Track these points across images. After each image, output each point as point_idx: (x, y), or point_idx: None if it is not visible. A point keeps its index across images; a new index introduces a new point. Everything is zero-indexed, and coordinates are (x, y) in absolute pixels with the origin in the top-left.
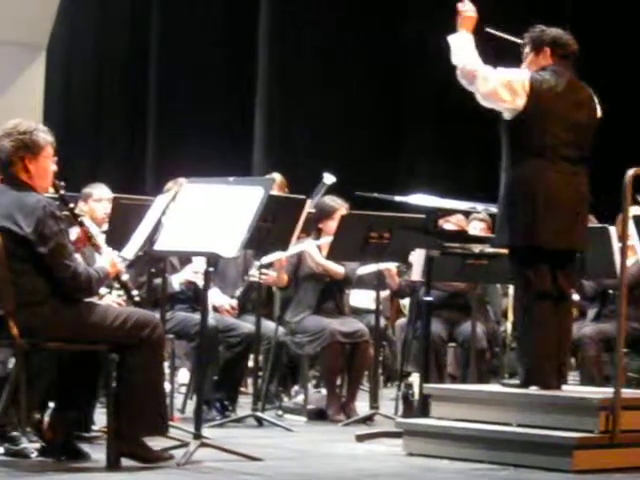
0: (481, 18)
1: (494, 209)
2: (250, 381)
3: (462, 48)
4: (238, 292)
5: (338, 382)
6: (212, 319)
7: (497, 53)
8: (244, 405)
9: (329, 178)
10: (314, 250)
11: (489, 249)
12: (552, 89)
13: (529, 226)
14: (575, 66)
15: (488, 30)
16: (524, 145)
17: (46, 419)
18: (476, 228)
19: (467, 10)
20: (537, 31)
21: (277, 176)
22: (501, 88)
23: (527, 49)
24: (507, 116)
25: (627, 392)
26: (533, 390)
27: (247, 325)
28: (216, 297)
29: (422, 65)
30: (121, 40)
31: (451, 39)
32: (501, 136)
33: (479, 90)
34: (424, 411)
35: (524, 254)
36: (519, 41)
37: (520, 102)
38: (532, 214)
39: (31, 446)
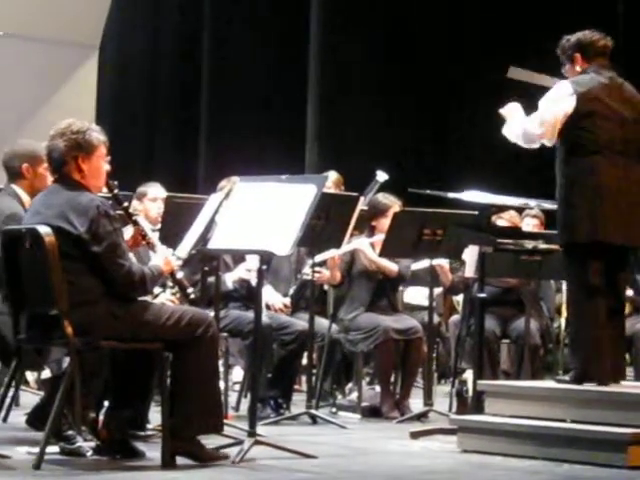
0: (531, 26)
1: (547, 205)
2: (304, 379)
3: (512, 127)
4: (291, 290)
5: (392, 379)
6: (266, 317)
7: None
8: (298, 403)
9: (382, 175)
10: (367, 248)
11: (542, 245)
12: (593, 89)
13: (590, 222)
14: (615, 61)
15: (511, 77)
16: (578, 143)
17: (101, 418)
18: (529, 224)
19: (510, 110)
20: (563, 42)
21: (333, 174)
22: (555, 118)
23: (563, 62)
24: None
25: None
26: (587, 386)
27: (301, 323)
28: (269, 295)
29: (475, 58)
30: (173, 39)
31: (505, 131)
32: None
33: (547, 138)
34: (478, 408)
35: (582, 250)
36: (541, 82)
37: (569, 107)
38: (592, 210)
39: (86, 445)
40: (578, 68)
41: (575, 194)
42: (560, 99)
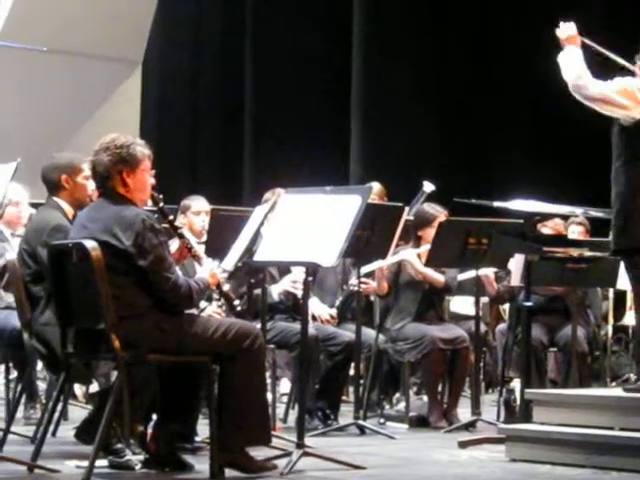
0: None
1: (593, 213)
2: (351, 389)
3: (570, 62)
4: (338, 301)
5: (439, 389)
6: (312, 328)
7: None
8: (346, 413)
9: (429, 186)
10: (414, 258)
11: (588, 252)
12: None
13: None
14: None
15: (585, 40)
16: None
17: (149, 431)
18: (574, 232)
19: (565, 30)
20: None
21: (376, 185)
22: (616, 95)
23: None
24: (624, 122)
25: None
26: (636, 394)
27: (347, 334)
28: (315, 306)
29: (520, 70)
30: (216, 53)
31: (560, 58)
32: (613, 141)
33: (594, 97)
34: (526, 416)
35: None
36: (613, 56)
37: (637, 112)
38: None
39: (135, 458)
40: None
41: (634, 200)
42: (628, 80)
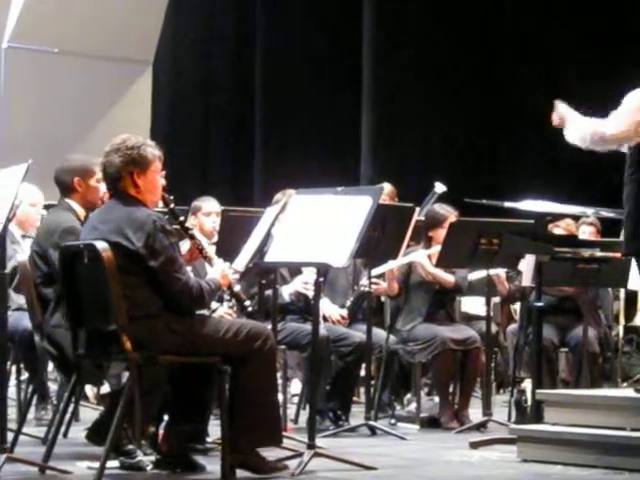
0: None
1: (604, 213)
2: (362, 390)
3: (575, 130)
4: (348, 302)
5: (450, 389)
6: (323, 329)
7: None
8: (357, 414)
9: (440, 187)
10: (424, 260)
11: (599, 253)
12: None
13: None
14: None
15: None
16: None
17: (161, 432)
18: (585, 232)
19: (559, 114)
20: None
21: (387, 186)
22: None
23: None
24: None
25: None
26: None
27: (358, 334)
28: (326, 307)
29: (532, 67)
30: (227, 53)
31: (567, 137)
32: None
33: (617, 139)
34: (537, 417)
35: None
36: None
37: None
38: None
39: (146, 459)
40: None
41: None
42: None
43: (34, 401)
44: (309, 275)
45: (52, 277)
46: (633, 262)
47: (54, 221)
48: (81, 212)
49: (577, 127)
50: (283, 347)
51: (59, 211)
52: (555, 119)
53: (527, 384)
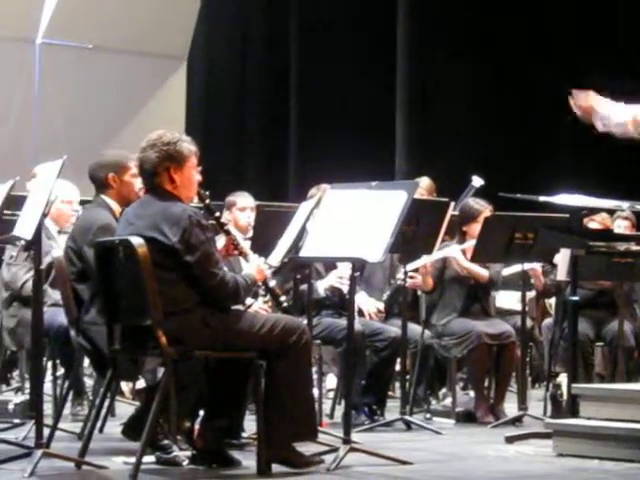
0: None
1: None
2: (398, 385)
3: (610, 118)
4: (385, 296)
5: (486, 384)
6: (358, 324)
7: None
8: (392, 409)
9: (478, 181)
10: (459, 255)
11: (635, 247)
12: None
13: None
14: None
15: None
16: None
17: (196, 427)
18: (620, 226)
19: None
20: None
21: (425, 180)
22: None
23: None
24: None
25: None
26: None
27: (393, 329)
28: (363, 300)
29: (566, 65)
30: (262, 47)
31: (598, 125)
32: None
33: None
34: (573, 411)
35: None
36: None
37: None
38: None
39: (182, 454)
40: None
41: None
42: None
43: (70, 397)
44: (344, 269)
45: (85, 274)
46: None
47: (90, 218)
48: (117, 208)
49: (612, 114)
50: (318, 342)
51: (95, 208)
52: (578, 107)
53: (562, 378)
